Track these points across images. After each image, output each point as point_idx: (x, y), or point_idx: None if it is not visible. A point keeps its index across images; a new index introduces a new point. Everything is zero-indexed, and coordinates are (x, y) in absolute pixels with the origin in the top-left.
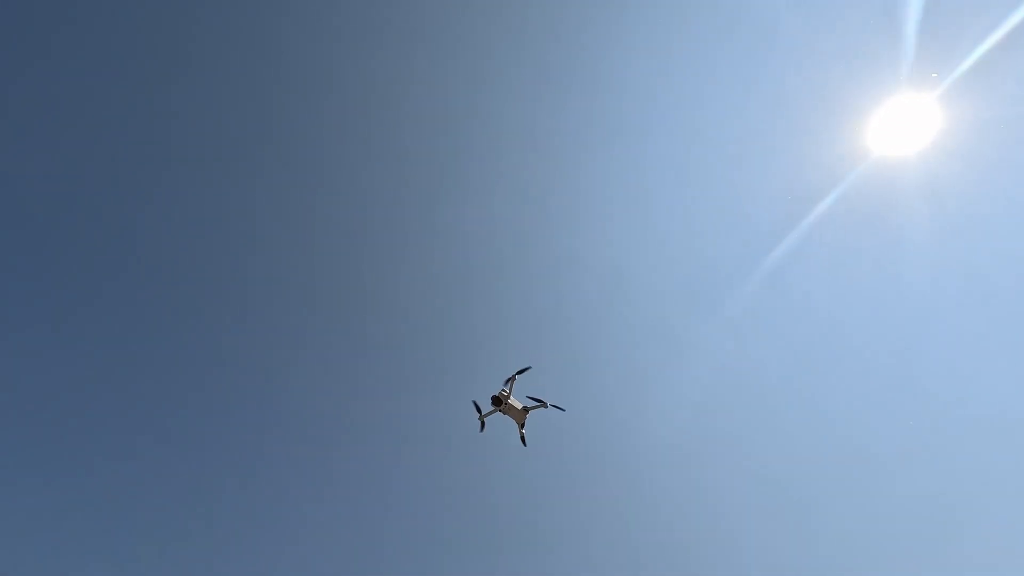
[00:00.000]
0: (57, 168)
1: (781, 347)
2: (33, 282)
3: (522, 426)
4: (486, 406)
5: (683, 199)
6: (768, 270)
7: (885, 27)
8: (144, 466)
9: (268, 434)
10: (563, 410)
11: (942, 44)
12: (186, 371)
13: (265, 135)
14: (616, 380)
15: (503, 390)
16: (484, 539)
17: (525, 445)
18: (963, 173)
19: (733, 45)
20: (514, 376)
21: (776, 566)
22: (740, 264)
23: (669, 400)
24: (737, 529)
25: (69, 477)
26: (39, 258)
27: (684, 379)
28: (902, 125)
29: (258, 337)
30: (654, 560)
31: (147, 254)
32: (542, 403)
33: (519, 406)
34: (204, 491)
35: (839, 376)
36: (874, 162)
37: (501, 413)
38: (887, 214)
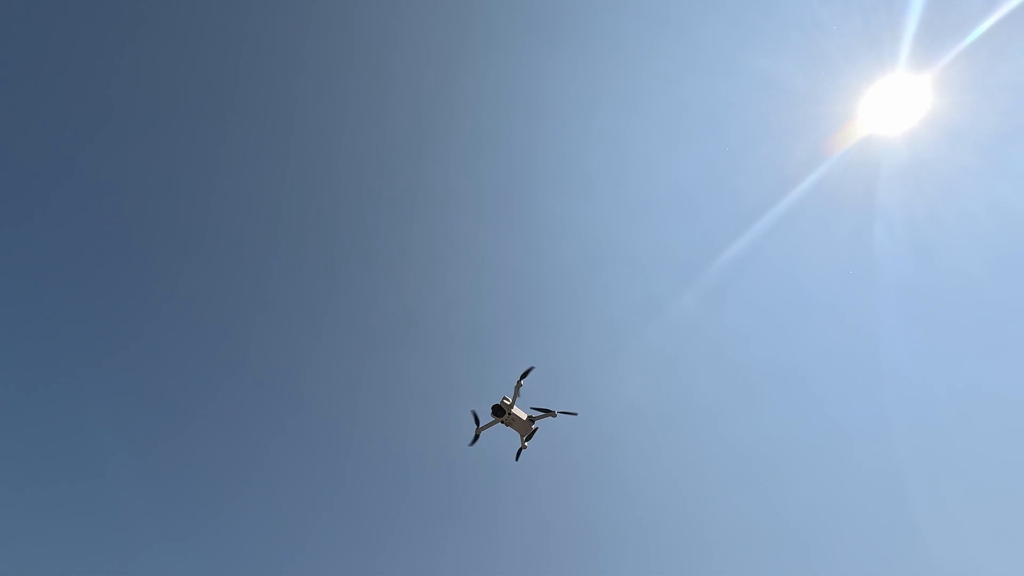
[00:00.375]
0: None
1: (762, 324)
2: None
3: (527, 438)
4: (485, 413)
5: (669, 174)
6: (751, 246)
7: (880, 5)
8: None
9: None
10: (575, 415)
11: (937, 25)
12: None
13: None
14: (593, 349)
15: (505, 399)
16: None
17: (518, 460)
18: (949, 155)
19: (724, 19)
20: (519, 381)
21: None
22: (724, 240)
23: (645, 374)
24: (724, 511)
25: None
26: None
27: (663, 350)
28: (891, 105)
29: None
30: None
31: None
32: (549, 412)
33: (524, 416)
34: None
35: (820, 354)
36: (861, 141)
37: (503, 425)
38: (872, 193)
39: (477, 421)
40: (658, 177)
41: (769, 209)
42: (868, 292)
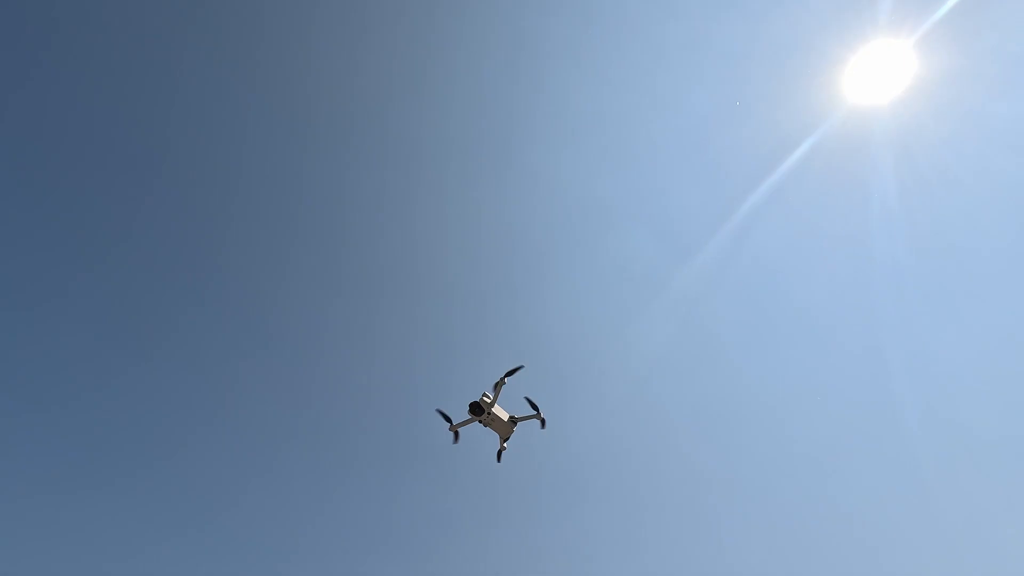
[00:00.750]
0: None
1: (748, 295)
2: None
3: (505, 440)
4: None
5: (658, 144)
6: (740, 218)
7: None
8: None
9: None
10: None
11: None
12: None
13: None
14: (583, 315)
15: (485, 395)
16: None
17: (500, 461)
18: (936, 123)
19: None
20: (503, 379)
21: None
22: (712, 211)
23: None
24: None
25: None
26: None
27: (653, 318)
28: (877, 73)
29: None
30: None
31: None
32: (536, 413)
33: (505, 417)
34: None
35: (804, 325)
36: (848, 110)
37: (481, 424)
38: (860, 161)
39: (448, 419)
40: (651, 149)
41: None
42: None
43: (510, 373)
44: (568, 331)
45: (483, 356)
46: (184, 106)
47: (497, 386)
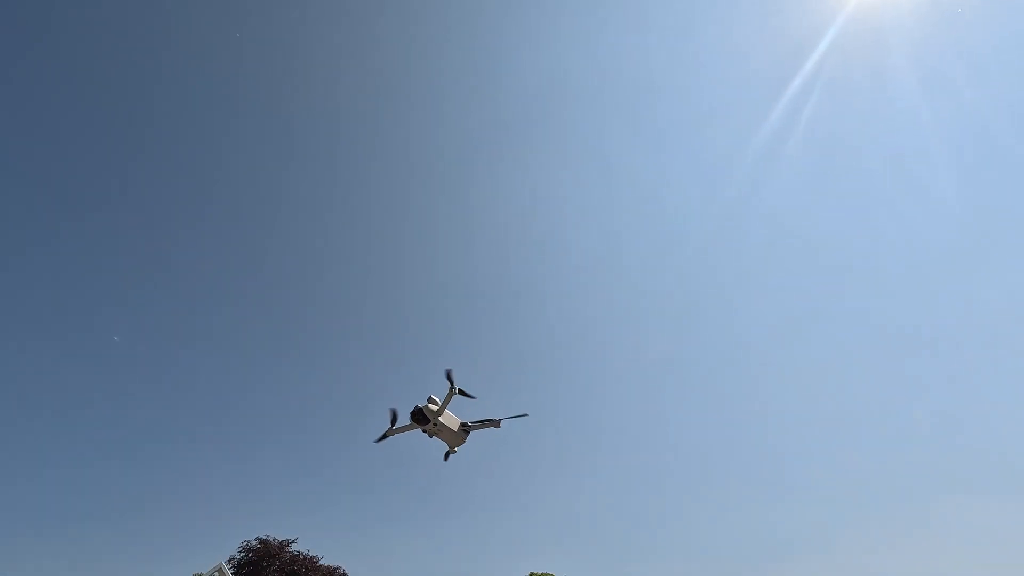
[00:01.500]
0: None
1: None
2: None
3: (456, 447)
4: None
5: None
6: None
7: None
8: None
9: None
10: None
11: None
12: None
13: None
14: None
15: (432, 398)
16: None
17: (446, 460)
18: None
19: None
20: (453, 388)
21: None
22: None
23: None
24: None
25: None
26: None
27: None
28: None
29: None
30: None
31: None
32: (493, 422)
33: (455, 426)
34: None
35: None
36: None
37: (426, 435)
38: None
39: (394, 421)
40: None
41: None
42: None
43: (461, 391)
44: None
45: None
46: None
47: (448, 394)
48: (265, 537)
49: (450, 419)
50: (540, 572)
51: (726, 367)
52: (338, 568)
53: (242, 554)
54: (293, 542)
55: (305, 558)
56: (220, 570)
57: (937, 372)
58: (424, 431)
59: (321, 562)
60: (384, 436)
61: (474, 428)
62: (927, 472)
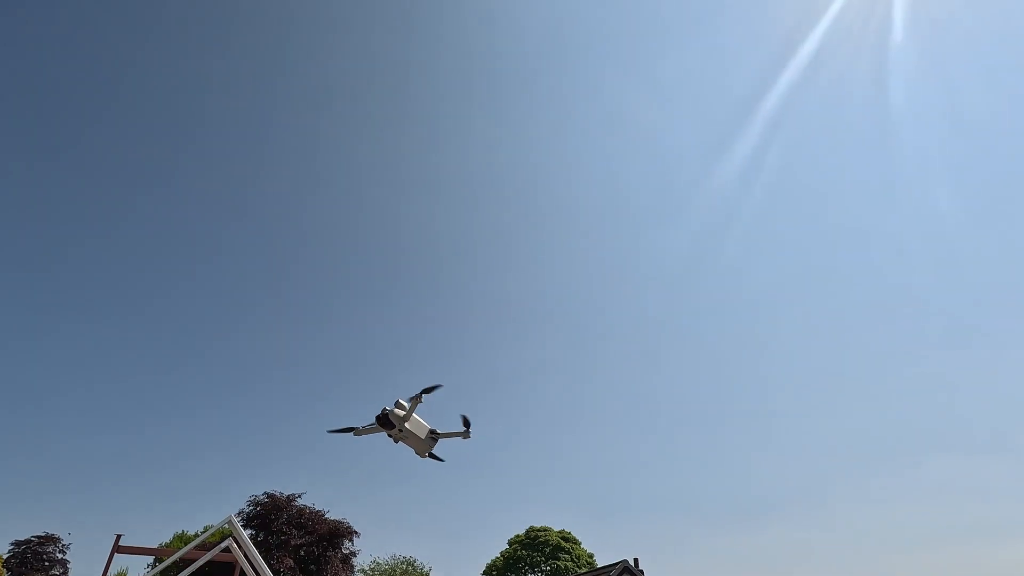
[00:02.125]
0: None
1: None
2: None
3: (423, 454)
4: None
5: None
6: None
7: None
8: None
9: None
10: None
11: None
12: None
13: None
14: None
15: (400, 403)
16: None
17: (423, 457)
18: None
19: None
20: (419, 395)
21: None
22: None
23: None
24: None
25: None
26: None
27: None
28: None
29: None
30: None
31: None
32: (464, 430)
33: (423, 433)
34: None
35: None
36: None
37: (391, 439)
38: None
39: (346, 430)
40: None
41: None
42: None
43: (428, 391)
44: None
45: None
46: None
47: (413, 401)
48: (273, 492)
49: (418, 425)
50: (539, 526)
51: (725, 324)
52: (343, 520)
53: (251, 507)
54: (300, 496)
55: (312, 512)
56: (230, 523)
57: (929, 336)
58: (389, 435)
59: (327, 516)
60: (346, 430)
61: (443, 437)
62: (917, 432)
